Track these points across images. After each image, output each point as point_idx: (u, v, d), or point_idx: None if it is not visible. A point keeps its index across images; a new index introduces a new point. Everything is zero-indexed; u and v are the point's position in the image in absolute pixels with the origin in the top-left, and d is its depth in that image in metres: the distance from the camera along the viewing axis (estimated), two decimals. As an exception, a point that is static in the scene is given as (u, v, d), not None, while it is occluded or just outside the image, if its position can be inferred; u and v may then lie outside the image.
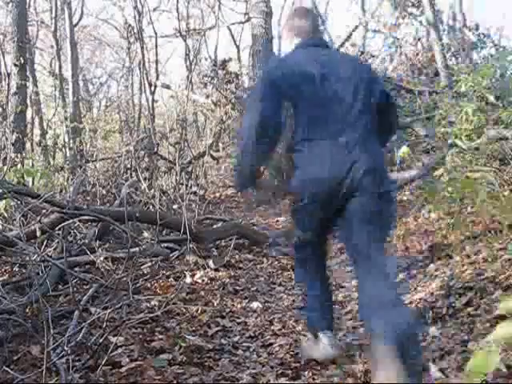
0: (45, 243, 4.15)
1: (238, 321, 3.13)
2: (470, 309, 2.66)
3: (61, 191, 6.27)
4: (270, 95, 2.25)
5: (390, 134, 2.58)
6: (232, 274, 4.10)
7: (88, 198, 6.46)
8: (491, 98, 4.86)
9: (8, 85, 7.53)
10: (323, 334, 2.41)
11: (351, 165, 2.10)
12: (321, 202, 2.18)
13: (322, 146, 2.16)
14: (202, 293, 3.55)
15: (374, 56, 11.27)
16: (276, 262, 4.52)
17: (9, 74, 7.58)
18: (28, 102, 7.89)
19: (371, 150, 2.17)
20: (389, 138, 2.62)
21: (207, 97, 11.40)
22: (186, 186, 6.49)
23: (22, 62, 6.93)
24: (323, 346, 2.40)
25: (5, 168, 5.10)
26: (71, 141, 9.06)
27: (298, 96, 2.23)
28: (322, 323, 2.44)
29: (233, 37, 16.32)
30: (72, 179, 6.54)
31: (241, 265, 4.44)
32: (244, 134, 2.30)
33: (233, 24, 15.86)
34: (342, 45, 12.24)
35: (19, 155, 6.30)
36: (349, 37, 12.57)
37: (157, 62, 13.19)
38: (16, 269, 3.86)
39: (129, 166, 7.41)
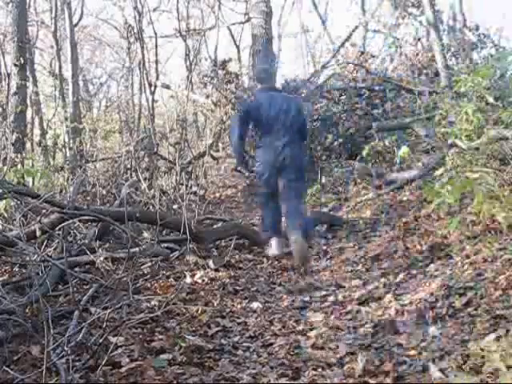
0: (45, 243, 4.15)
1: (238, 321, 3.13)
2: (470, 309, 2.66)
3: (61, 191, 6.27)
4: (244, 118, 4.57)
5: (305, 138, 4.99)
6: (232, 274, 4.10)
7: (88, 198, 6.46)
8: (490, 99, 4.85)
9: (8, 85, 7.53)
10: (273, 239, 4.60)
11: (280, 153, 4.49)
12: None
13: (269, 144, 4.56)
14: (202, 293, 3.55)
15: (374, 56, 11.25)
16: (276, 262, 4.52)
17: (9, 74, 7.59)
18: (28, 102, 7.90)
19: (292, 147, 4.52)
20: (305, 139, 5.00)
21: (207, 97, 11.40)
22: (186, 186, 6.50)
23: (22, 62, 6.93)
24: (272, 247, 4.59)
25: (5, 168, 5.10)
26: (71, 141, 9.06)
27: (259, 118, 4.55)
28: (272, 233, 4.60)
29: (233, 37, 16.33)
30: (72, 179, 6.53)
31: (241, 265, 4.44)
32: (234, 131, 4.64)
33: (233, 24, 15.87)
34: (342, 45, 12.24)
35: (19, 155, 6.30)
36: (349, 37, 12.57)
37: (157, 62, 13.19)
38: (16, 269, 3.86)
39: (129, 166, 7.41)
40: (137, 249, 3.90)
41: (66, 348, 2.28)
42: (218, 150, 11.43)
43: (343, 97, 9.05)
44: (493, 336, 2.24)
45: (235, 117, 5.05)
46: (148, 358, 2.47)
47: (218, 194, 9.26)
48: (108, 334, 2.44)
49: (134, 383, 2.24)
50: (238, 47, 16.38)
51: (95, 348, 2.36)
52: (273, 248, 4.53)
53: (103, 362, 2.29)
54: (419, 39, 12.09)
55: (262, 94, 4.65)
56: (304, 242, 4.28)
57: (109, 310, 2.53)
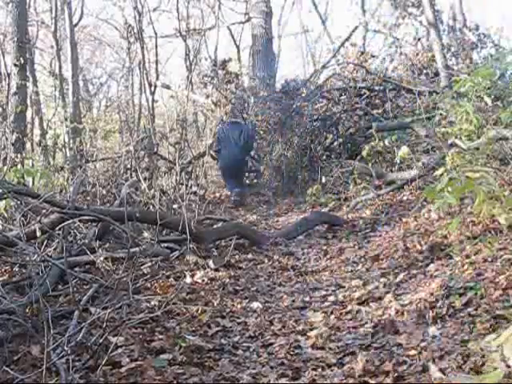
0: (45, 243, 4.15)
1: (238, 321, 3.13)
2: (470, 309, 2.66)
3: (61, 191, 6.27)
4: (219, 138, 8.13)
5: (251, 149, 8.45)
6: (232, 274, 4.10)
7: (88, 198, 6.46)
8: (489, 101, 4.84)
9: (8, 85, 7.54)
10: (236, 200, 7.72)
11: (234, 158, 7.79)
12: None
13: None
14: (202, 293, 3.55)
15: (374, 56, 11.24)
16: (276, 262, 4.52)
17: (9, 74, 7.59)
18: (28, 102, 7.90)
19: (238, 155, 7.81)
20: (251, 150, 8.48)
21: (207, 97, 11.40)
22: (186, 185, 6.49)
23: (22, 62, 6.93)
24: (233, 199, 7.76)
25: (5, 168, 5.10)
26: (71, 141, 9.07)
27: (223, 139, 7.95)
28: (235, 196, 7.73)
29: (233, 37, 16.31)
30: (72, 179, 6.53)
31: (241, 265, 4.44)
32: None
33: (233, 24, 15.86)
34: (342, 45, 12.23)
35: (19, 155, 6.30)
36: (349, 37, 12.55)
37: (157, 62, 13.19)
38: (16, 269, 3.86)
39: (129, 166, 7.40)
40: (137, 249, 3.89)
41: (66, 348, 2.28)
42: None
43: (343, 97, 9.04)
44: (493, 336, 2.24)
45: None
46: (148, 357, 2.48)
47: (217, 194, 9.26)
48: (108, 334, 2.44)
49: (134, 383, 2.24)
50: (238, 47, 16.37)
51: (95, 348, 2.36)
52: (233, 201, 7.73)
53: (103, 362, 2.29)
54: (419, 39, 12.08)
55: (228, 125, 8.14)
56: (243, 192, 7.88)
57: (109, 310, 2.53)
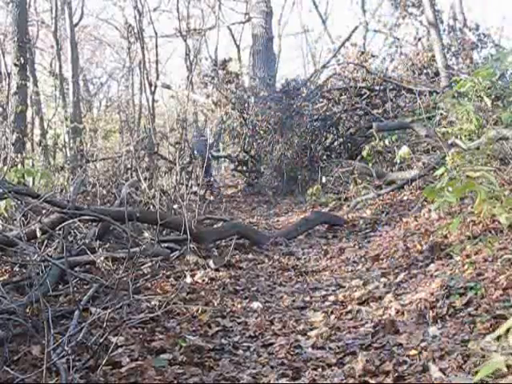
0: (45, 243, 4.15)
1: (239, 321, 3.13)
2: (470, 309, 2.66)
3: (61, 191, 6.28)
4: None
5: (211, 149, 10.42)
6: (232, 273, 4.10)
7: (88, 198, 6.46)
8: (488, 102, 4.84)
9: (8, 85, 7.55)
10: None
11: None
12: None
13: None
14: (203, 293, 3.55)
15: (374, 56, 11.24)
16: (276, 262, 4.52)
17: (9, 74, 7.60)
18: (28, 101, 7.90)
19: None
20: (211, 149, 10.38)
21: (207, 97, 11.40)
22: (186, 185, 6.49)
23: (23, 61, 6.93)
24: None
25: (5, 168, 5.10)
26: (71, 141, 9.08)
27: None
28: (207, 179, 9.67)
29: (233, 37, 16.34)
30: (72, 179, 6.54)
31: (241, 265, 4.44)
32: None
33: (233, 24, 15.89)
34: (342, 45, 12.22)
35: (19, 155, 6.30)
36: (349, 37, 12.54)
37: (157, 62, 13.20)
38: (16, 269, 3.86)
39: (129, 165, 7.42)
40: (137, 249, 3.89)
41: (66, 348, 2.28)
42: (218, 150, 11.43)
43: (343, 97, 9.05)
44: (493, 336, 2.23)
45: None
46: (148, 357, 2.48)
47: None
48: (108, 334, 2.44)
49: (134, 383, 2.24)
50: (238, 47, 16.40)
51: (95, 348, 2.36)
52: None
53: (103, 362, 2.29)
54: (419, 39, 12.07)
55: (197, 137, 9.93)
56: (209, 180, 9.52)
57: (109, 310, 2.53)
